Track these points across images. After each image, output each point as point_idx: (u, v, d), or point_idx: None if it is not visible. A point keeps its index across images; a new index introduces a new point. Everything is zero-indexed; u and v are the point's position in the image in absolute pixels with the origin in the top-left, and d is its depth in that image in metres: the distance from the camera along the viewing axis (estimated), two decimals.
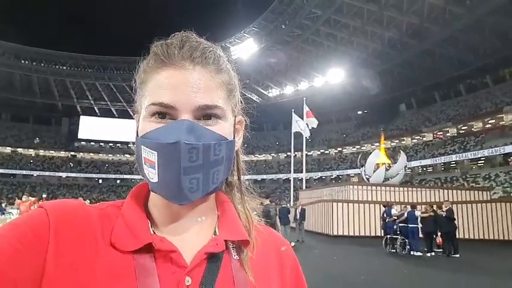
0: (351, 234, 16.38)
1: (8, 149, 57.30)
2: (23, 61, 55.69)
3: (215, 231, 0.60)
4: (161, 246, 0.53)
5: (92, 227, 0.53)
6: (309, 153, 48.49)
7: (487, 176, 33.96)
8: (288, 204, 21.47)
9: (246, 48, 51.77)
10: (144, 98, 0.56)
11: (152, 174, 0.53)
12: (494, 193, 27.17)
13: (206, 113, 0.55)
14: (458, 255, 11.32)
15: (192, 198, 0.53)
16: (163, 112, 0.54)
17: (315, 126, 25.21)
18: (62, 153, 60.66)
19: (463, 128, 40.78)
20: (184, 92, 0.53)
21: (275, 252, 0.65)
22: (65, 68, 59.03)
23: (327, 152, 55.65)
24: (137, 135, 0.56)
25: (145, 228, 0.55)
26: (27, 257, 0.47)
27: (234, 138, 0.59)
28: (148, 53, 0.59)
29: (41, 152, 59.37)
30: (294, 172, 28.96)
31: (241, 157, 0.68)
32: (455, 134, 41.17)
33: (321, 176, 51.67)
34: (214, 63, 0.57)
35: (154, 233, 0.56)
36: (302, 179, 29.23)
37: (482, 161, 36.79)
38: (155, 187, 0.55)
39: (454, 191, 19.92)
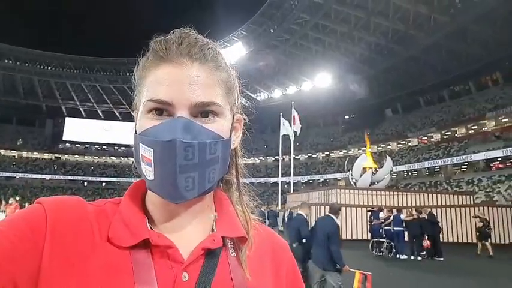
0: None
1: None
2: (6, 60, 54.57)
3: (213, 228, 0.60)
4: (158, 241, 0.53)
5: (89, 222, 0.53)
6: (296, 157, 48.67)
7: (470, 181, 34.59)
8: (276, 208, 21.53)
9: (234, 51, 51.83)
10: (142, 94, 0.56)
11: (149, 172, 0.53)
12: (477, 197, 27.70)
13: (203, 110, 0.54)
14: (442, 259, 11.53)
15: (188, 197, 0.53)
16: (161, 108, 0.53)
17: (298, 131, 25.33)
18: (46, 155, 59.49)
19: (446, 133, 41.58)
20: (182, 89, 0.53)
21: (271, 251, 0.64)
22: (49, 68, 58.09)
23: (314, 155, 55.99)
24: (136, 132, 0.56)
25: (142, 224, 0.55)
26: (24, 252, 0.46)
27: (230, 136, 0.59)
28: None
29: (24, 154, 58.11)
30: (282, 176, 29.02)
31: (240, 156, 0.67)
32: (439, 139, 41.92)
33: (309, 180, 51.95)
34: (213, 60, 0.57)
35: (151, 229, 0.55)
36: (290, 182, 29.35)
37: (466, 166, 37.54)
38: (151, 185, 0.54)
39: (438, 195, 20.24)
